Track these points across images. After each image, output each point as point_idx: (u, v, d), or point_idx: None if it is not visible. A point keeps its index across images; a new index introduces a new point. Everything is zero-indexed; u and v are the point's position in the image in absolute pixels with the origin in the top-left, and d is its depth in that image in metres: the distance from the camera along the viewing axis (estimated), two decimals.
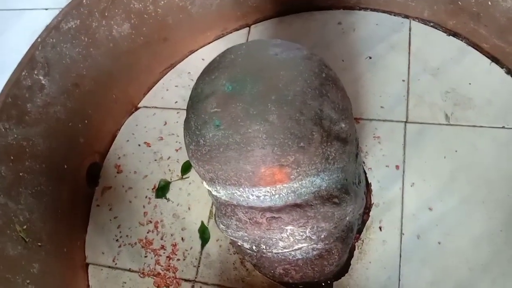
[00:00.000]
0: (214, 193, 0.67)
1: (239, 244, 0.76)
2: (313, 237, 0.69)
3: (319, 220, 0.66)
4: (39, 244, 0.84)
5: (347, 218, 0.72)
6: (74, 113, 0.96)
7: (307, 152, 0.58)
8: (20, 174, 0.82)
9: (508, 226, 0.84)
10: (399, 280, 0.84)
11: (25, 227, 0.81)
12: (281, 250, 0.72)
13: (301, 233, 0.68)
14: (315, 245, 0.72)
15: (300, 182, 0.61)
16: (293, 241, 0.69)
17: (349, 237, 0.77)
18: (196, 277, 0.92)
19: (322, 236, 0.70)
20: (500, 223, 0.85)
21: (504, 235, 0.84)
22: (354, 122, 0.72)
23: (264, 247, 0.72)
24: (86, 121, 1.00)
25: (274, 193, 0.62)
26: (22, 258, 0.79)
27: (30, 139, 0.85)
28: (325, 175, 0.63)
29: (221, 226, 0.73)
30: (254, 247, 0.73)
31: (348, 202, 0.69)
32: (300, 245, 0.70)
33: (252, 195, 0.63)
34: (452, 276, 0.83)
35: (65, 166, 0.95)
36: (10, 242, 0.77)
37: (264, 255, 0.75)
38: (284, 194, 0.62)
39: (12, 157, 0.80)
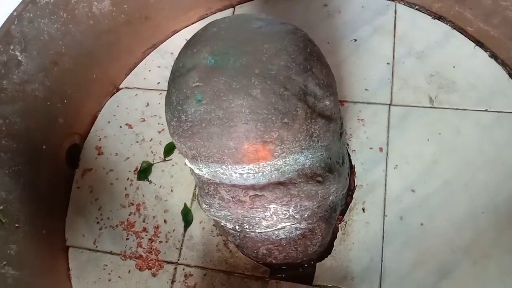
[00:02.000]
0: (197, 171, 0.66)
1: (222, 224, 0.75)
2: (296, 216, 0.68)
3: (302, 199, 0.66)
4: (17, 225, 0.82)
5: (331, 198, 0.71)
6: (52, 92, 0.93)
7: (291, 129, 0.58)
8: None
9: (490, 208, 0.85)
10: (382, 261, 0.85)
11: (1, 207, 0.79)
12: (264, 229, 0.71)
13: (284, 212, 0.67)
14: (298, 225, 0.71)
15: (283, 160, 0.61)
16: (276, 220, 0.69)
17: (332, 217, 0.77)
18: (178, 259, 0.91)
19: (306, 216, 0.70)
20: (482, 206, 0.86)
21: (486, 217, 0.85)
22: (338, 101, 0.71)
23: (247, 226, 0.71)
24: (65, 101, 0.97)
25: (257, 171, 0.61)
26: None
27: (6, 117, 0.82)
28: (309, 153, 0.62)
29: (204, 205, 0.72)
30: (237, 227, 0.72)
31: (332, 181, 0.68)
32: (283, 224, 0.70)
33: (235, 172, 0.62)
34: (434, 258, 0.84)
35: (44, 147, 0.92)
36: None
37: (247, 235, 0.74)
38: (267, 172, 0.62)
39: None
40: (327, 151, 0.66)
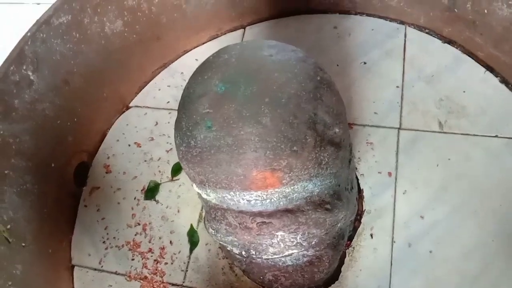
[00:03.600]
0: (204, 196, 0.66)
1: (228, 249, 0.75)
2: (303, 244, 0.68)
3: (310, 226, 0.65)
4: (23, 244, 0.82)
5: (339, 225, 0.71)
6: (62, 110, 0.94)
7: (300, 157, 0.57)
8: (5, 171, 0.80)
9: (499, 236, 0.84)
10: None
11: (9, 226, 0.79)
12: (271, 256, 0.70)
13: (292, 239, 0.66)
14: (305, 252, 0.70)
15: (292, 187, 0.60)
16: (283, 247, 0.68)
17: (340, 244, 0.76)
18: (183, 282, 0.90)
19: (313, 243, 0.69)
20: (491, 233, 0.85)
21: (495, 246, 0.83)
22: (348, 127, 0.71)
23: (253, 252, 0.70)
24: (75, 119, 0.98)
25: (265, 198, 0.61)
26: (4, 258, 0.76)
27: (16, 136, 0.82)
28: (318, 180, 0.62)
29: (211, 230, 0.71)
30: (243, 253, 0.72)
31: (340, 208, 0.68)
32: (290, 251, 0.69)
33: (243, 199, 0.61)
34: (442, 286, 0.82)
35: (52, 165, 0.93)
36: None
37: (253, 260, 0.73)
38: (275, 199, 0.61)
39: None
40: (336, 178, 0.66)
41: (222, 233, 0.69)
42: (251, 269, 0.77)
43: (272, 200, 0.61)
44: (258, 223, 0.63)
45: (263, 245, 0.68)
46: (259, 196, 0.60)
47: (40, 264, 0.86)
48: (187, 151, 0.60)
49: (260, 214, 0.63)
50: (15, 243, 0.80)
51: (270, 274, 0.75)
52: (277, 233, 0.65)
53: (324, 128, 0.59)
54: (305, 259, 0.72)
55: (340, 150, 0.64)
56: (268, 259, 0.71)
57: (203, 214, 0.96)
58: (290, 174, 0.58)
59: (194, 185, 0.66)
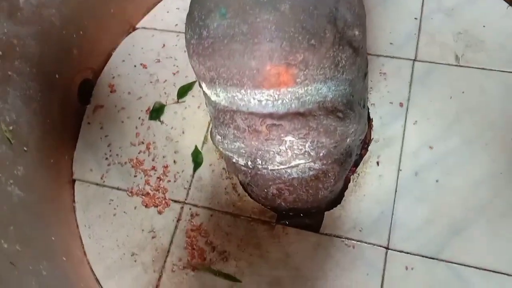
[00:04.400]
0: (214, 97, 0.64)
1: (233, 161, 0.73)
2: (311, 153, 0.66)
3: (320, 133, 0.64)
4: (25, 148, 0.81)
5: (348, 140, 0.69)
6: (69, 20, 0.90)
7: (317, 53, 0.55)
8: (9, 73, 0.78)
9: (509, 169, 0.83)
10: (392, 215, 0.83)
11: (11, 128, 0.77)
12: (277, 166, 0.69)
13: (300, 147, 0.65)
14: (312, 164, 0.69)
15: (305, 88, 0.58)
16: (290, 156, 0.67)
17: (347, 162, 0.75)
18: (186, 199, 0.90)
19: (321, 154, 0.67)
20: (501, 166, 0.83)
21: (504, 178, 0.83)
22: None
23: (260, 162, 0.69)
24: (81, 33, 0.95)
25: (277, 98, 0.59)
26: (6, 157, 0.75)
27: (21, 39, 0.80)
28: (333, 84, 0.60)
29: (218, 137, 0.70)
30: (249, 163, 0.70)
31: (352, 119, 0.66)
32: (297, 162, 0.68)
33: (254, 98, 0.59)
34: (447, 215, 0.82)
35: (57, 76, 0.91)
36: None
37: (259, 172, 0.72)
38: (287, 100, 0.59)
39: (0, 53, 0.75)
40: (351, 87, 0.63)
41: (230, 139, 0.67)
42: (256, 182, 0.76)
43: (284, 101, 0.59)
44: (268, 125, 0.61)
45: (271, 153, 0.67)
46: (270, 95, 0.58)
47: (41, 171, 0.85)
48: (198, 43, 0.58)
49: (270, 116, 0.61)
50: (17, 145, 0.78)
51: (274, 187, 0.74)
52: (286, 138, 0.63)
53: (344, 26, 0.56)
54: (311, 173, 0.71)
55: (358, 56, 0.61)
56: (274, 170, 0.70)
57: (208, 136, 0.94)
58: (305, 72, 0.56)
59: (203, 85, 0.64)
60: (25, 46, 0.81)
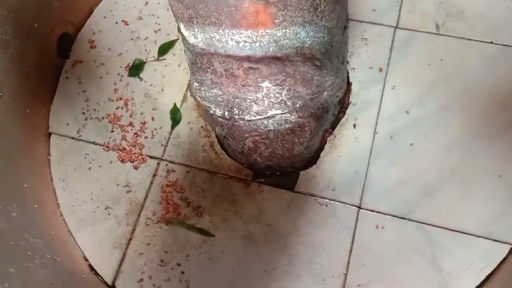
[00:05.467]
0: (192, 39, 0.64)
1: (211, 112, 0.73)
2: (288, 103, 0.67)
3: (297, 81, 0.64)
4: (0, 94, 0.79)
5: (325, 94, 0.70)
6: None
7: None
8: None
9: (482, 135, 0.84)
10: (366, 175, 0.84)
11: None
12: (254, 116, 0.69)
13: (277, 95, 0.65)
14: (288, 115, 0.69)
15: (283, 31, 0.58)
16: (267, 105, 0.67)
17: (323, 118, 0.75)
18: (163, 155, 0.90)
19: (298, 105, 0.68)
20: (474, 133, 0.85)
21: (478, 143, 0.84)
22: None
23: (237, 111, 0.69)
24: None
25: (255, 40, 0.59)
26: None
27: None
28: (311, 29, 0.60)
29: (195, 84, 0.70)
30: (226, 113, 0.70)
31: (329, 70, 0.66)
32: (274, 112, 0.68)
33: (232, 39, 0.59)
34: (420, 177, 0.83)
35: (36, 25, 0.89)
36: None
37: (235, 123, 0.72)
38: (265, 43, 0.59)
39: None
40: (329, 36, 0.64)
41: (207, 85, 0.67)
42: (232, 134, 0.76)
43: (262, 44, 0.59)
44: (245, 68, 0.61)
45: (247, 101, 0.67)
46: (248, 36, 0.58)
47: (16, 120, 0.84)
48: None
49: (248, 59, 0.61)
50: None
51: (251, 140, 0.75)
52: (262, 84, 0.63)
53: None
54: (287, 125, 0.71)
55: (337, 4, 0.61)
56: (250, 120, 0.70)
57: (188, 94, 0.94)
58: (284, 12, 0.56)
59: (181, 25, 0.63)
60: None
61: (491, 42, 0.91)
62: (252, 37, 0.58)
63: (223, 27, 0.58)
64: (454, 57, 0.91)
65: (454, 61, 0.90)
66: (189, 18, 0.59)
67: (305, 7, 0.57)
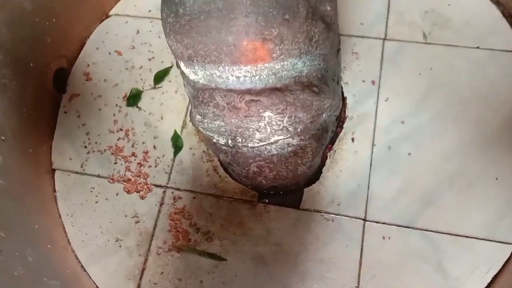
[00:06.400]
0: (192, 76, 0.65)
1: (214, 141, 0.75)
2: (289, 129, 0.69)
3: (297, 108, 0.66)
4: (3, 138, 0.80)
5: (324, 115, 0.72)
6: (41, 7, 0.89)
7: (292, 27, 0.57)
8: None
9: (477, 140, 0.87)
10: (368, 187, 0.86)
11: None
12: (257, 143, 0.71)
13: (279, 122, 0.67)
14: (290, 140, 0.71)
15: (282, 63, 0.60)
16: (269, 132, 0.69)
17: (323, 137, 0.77)
18: (168, 183, 0.91)
19: (299, 130, 0.70)
20: (470, 138, 0.87)
21: (473, 149, 0.87)
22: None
23: (240, 140, 0.71)
24: (53, 20, 0.94)
25: (254, 74, 0.61)
26: None
27: None
28: (307, 59, 0.62)
29: (197, 117, 0.71)
30: (229, 142, 0.72)
31: (327, 94, 0.68)
32: (276, 138, 0.70)
33: (232, 75, 0.61)
34: (420, 185, 0.85)
35: (31, 64, 0.90)
36: None
37: (239, 150, 0.74)
38: (264, 76, 0.61)
39: None
40: (325, 62, 0.66)
41: (209, 118, 0.69)
42: (236, 161, 0.77)
43: (261, 77, 0.61)
44: (246, 101, 0.63)
45: (250, 130, 0.68)
46: (248, 71, 0.60)
47: (21, 160, 0.84)
48: (175, 21, 0.59)
49: (248, 92, 0.63)
50: None
51: (255, 165, 0.76)
52: (264, 114, 0.65)
53: (316, 1, 0.59)
54: (290, 149, 0.73)
55: (330, 31, 0.63)
56: (254, 147, 0.72)
57: (187, 120, 0.95)
58: (281, 47, 0.58)
59: (181, 64, 0.65)
60: None
61: (477, 47, 0.94)
62: (251, 72, 0.60)
63: (223, 65, 0.60)
64: (443, 64, 0.93)
65: (443, 69, 0.93)
66: (189, 57, 0.61)
67: (300, 40, 0.59)
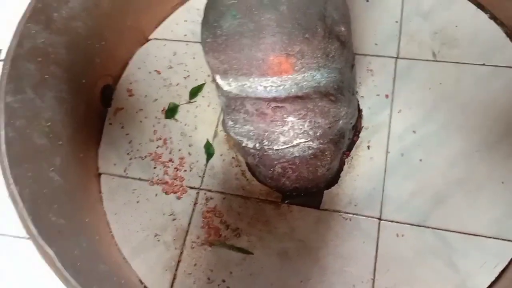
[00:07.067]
0: (226, 87, 0.76)
1: (243, 145, 0.85)
2: (310, 132, 0.79)
3: (316, 114, 0.76)
4: (60, 142, 0.92)
5: (340, 122, 0.81)
6: (92, 32, 1.03)
7: (311, 44, 0.68)
8: (46, 76, 0.90)
9: (482, 148, 0.95)
10: (383, 190, 0.95)
11: (49, 124, 0.89)
12: (282, 146, 0.81)
13: (300, 126, 0.77)
14: (311, 143, 0.81)
15: (302, 75, 0.71)
16: (292, 136, 0.79)
17: (340, 142, 0.87)
18: (201, 185, 1.02)
19: (318, 134, 0.80)
20: (476, 145, 0.95)
21: (478, 155, 0.94)
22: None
23: (266, 143, 0.81)
24: (102, 43, 1.08)
25: (279, 84, 0.71)
26: (46, 149, 0.87)
27: (55, 47, 0.92)
28: (325, 71, 0.72)
29: (230, 123, 0.82)
30: (257, 145, 0.82)
31: (343, 103, 0.78)
32: (298, 140, 0.80)
33: (260, 85, 0.72)
34: (431, 188, 0.93)
35: (83, 81, 1.03)
36: (37, 132, 0.85)
37: (265, 152, 0.84)
38: (288, 86, 0.72)
39: (39, 59, 0.88)
40: (340, 75, 0.76)
41: (240, 123, 0.80)
42: (263, 162, 0.87)
43: (285, 86, 0.72)
44: (272, 107, 0.74)
45: (275, 134, 0.79)
46: (274, 82, 0.71)
47: (73, 163, 0.96)
48: (213, 41, 0.70)
49: (274, 99, 0.73)
50: (53, 139, 0.90)
51: (279, 166, 0.86)
52: (288, 119, 0.75)
53: (332, 23, 0.69)
54: (310, 152, 0.83)
55: (345, 49, 0.74)
56: (278, 149, 0.82)
57: (218, 130, 1.06)
58: (302, 61, 0.69)
59: (217, 77, 0.76)
60: (57, 53, 0.94)
61: (483, 64, 1.03)
62: (277, 82, 0.71)
63: (253, 76, 0.71)
64: (451, 80, 1.02)
65: (451, 84, 1.02)
66: (224, 71, 0.73)
67: (318, 55, 0.69)
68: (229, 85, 0.75)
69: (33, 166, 0.81)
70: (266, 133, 0.79)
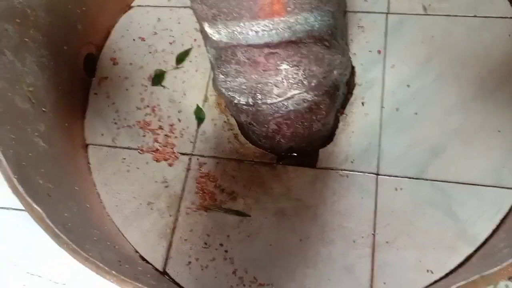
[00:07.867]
0: (216, 36, 0.73)
1: (235, 102, 0.82)
2: (304, 82, 0.76)
3: (311, 61, 0.73)
4: (44, 109, 0.88)
5: (335, 72, 0.79)
6: None
7: None
8: (25, 39, 0.86)
9: (477, 96, 0.93)
10: (379, 145, 0.93)
11: (31, 89, 0.85)
12: (275, 99, 0.78)
13: (294, 75, 0.74)
14: (306, 95, 0.78)
15: (295, 17, 0.68)
16: (286, 86, 0.76)
17: (335, 95, 0.85)
18: (193, 151, 0.98)
19: (313, 84, 0.77)
20: (470, 96, 0.94)
21: (473, 106, 0.93)
22: None
23: (260, 97, 0.78)
24: (84, 9, 1.03)
25: (271, 28, 0.68)
26: (29, 114, 0.83)
27: (33, 9, 0.88)
28: (318, 14, 0.70)
29: (220, 76, 0.79)
30: (250, 100, 0.80)
31: (337, 49, 0.76)
32: (293, 92, 0.77)
33: (252, 30, 0.69)
34: (427, 140, 0.92)
35: (65, 47, 0.99)
36: (19, 96, 0.81)
37: (259, 108, 0.81)
38: (280, 30, 0.69)
39: (18, 20, 0.84)
40: (333, 19, 0.73)
41: (232, 76, 0.77)
42: (256, 119, 0.84)
43: (278, 31, 0.69)
44: (265, 54, 0.71)
45: (269, 85, 0.76)
46: (266, 25, 0.68)
47: (59, 132, 0.93)
48: None
49: (267, 45, 0.70)
50: (37, 106, 0.86)
51: (274, 122, 0.83)
52: (281, 67, 0.73)
53: None
54: (305, 105, 0.80)
55: None
56: (272, 103, 0.79)
57: (208, 95, 1.03)
58: (294, 1, 0.66)
59: (206, 25, 0.73)
60: (37, 16, 0.89)
61: (474, 16, 1.01)
62: (269, 26, 0.68)
63: (243, 20, 0.68)
64: (443, 32, 1.01)
65: (443, 36, 1.00)
66: (213, 17, 0.69)
67: None
68: (219, 33, 0.72)
69: (16, 130, 0.77)
70: (259, 85, 0.76)
